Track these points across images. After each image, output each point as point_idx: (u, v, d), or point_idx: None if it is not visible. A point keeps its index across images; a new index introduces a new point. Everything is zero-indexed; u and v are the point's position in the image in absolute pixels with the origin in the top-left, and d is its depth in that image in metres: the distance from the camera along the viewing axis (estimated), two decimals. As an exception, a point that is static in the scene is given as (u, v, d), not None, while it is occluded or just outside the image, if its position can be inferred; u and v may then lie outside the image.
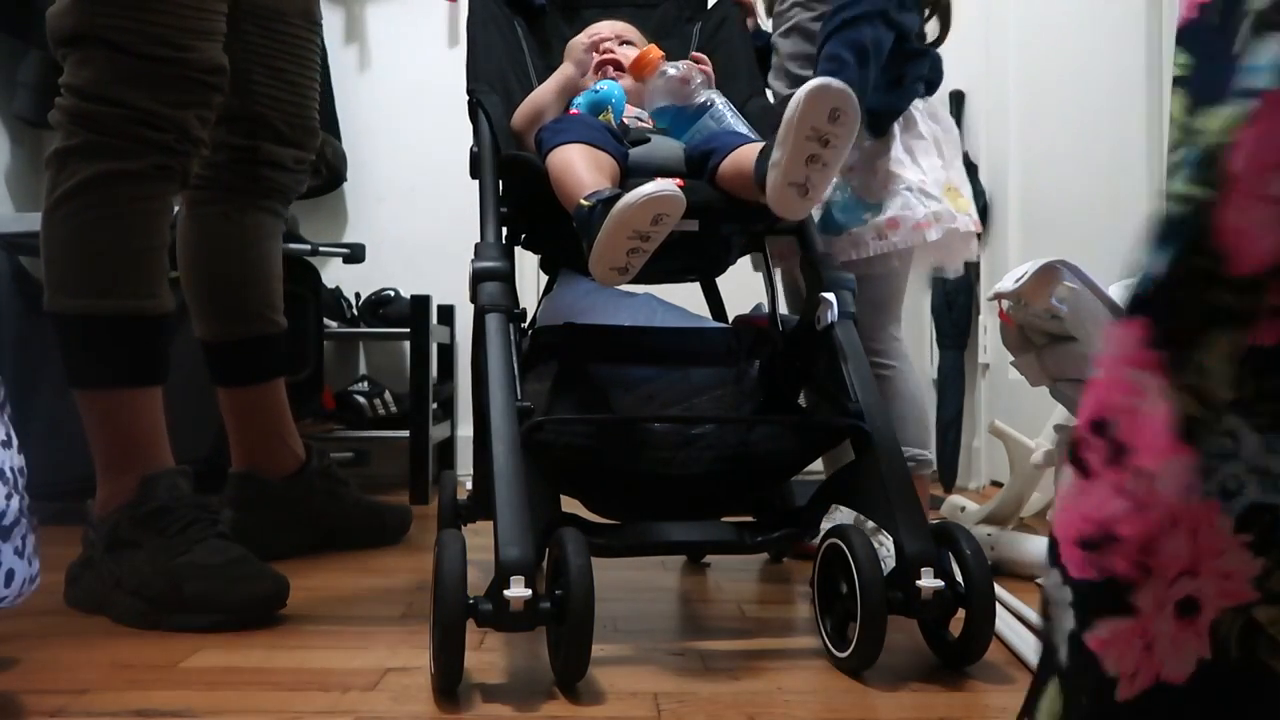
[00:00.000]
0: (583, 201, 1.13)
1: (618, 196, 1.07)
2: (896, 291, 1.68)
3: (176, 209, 1.56)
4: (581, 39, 1.47)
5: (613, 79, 1.40)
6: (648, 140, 1.34)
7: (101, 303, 1.32)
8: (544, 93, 1.40)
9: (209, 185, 1.62)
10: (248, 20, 1.56)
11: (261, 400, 1.69)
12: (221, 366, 1.69)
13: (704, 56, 1.48)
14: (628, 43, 1.48)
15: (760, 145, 1.18)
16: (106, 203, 1.31)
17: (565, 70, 1.41)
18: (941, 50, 1.69)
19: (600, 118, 1.32)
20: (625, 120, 1.36)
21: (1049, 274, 1.01)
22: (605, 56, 1.44)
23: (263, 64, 1.60)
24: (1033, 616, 1.24)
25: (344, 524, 1.75)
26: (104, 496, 1.34)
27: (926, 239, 1.55)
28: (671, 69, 1.35)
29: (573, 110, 1.37)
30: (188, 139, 1.35)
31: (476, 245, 1.24)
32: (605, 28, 1.51)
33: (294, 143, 1.68)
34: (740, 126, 1.34)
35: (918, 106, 1.63)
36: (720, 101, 1.35)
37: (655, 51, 1.39)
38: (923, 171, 1.59)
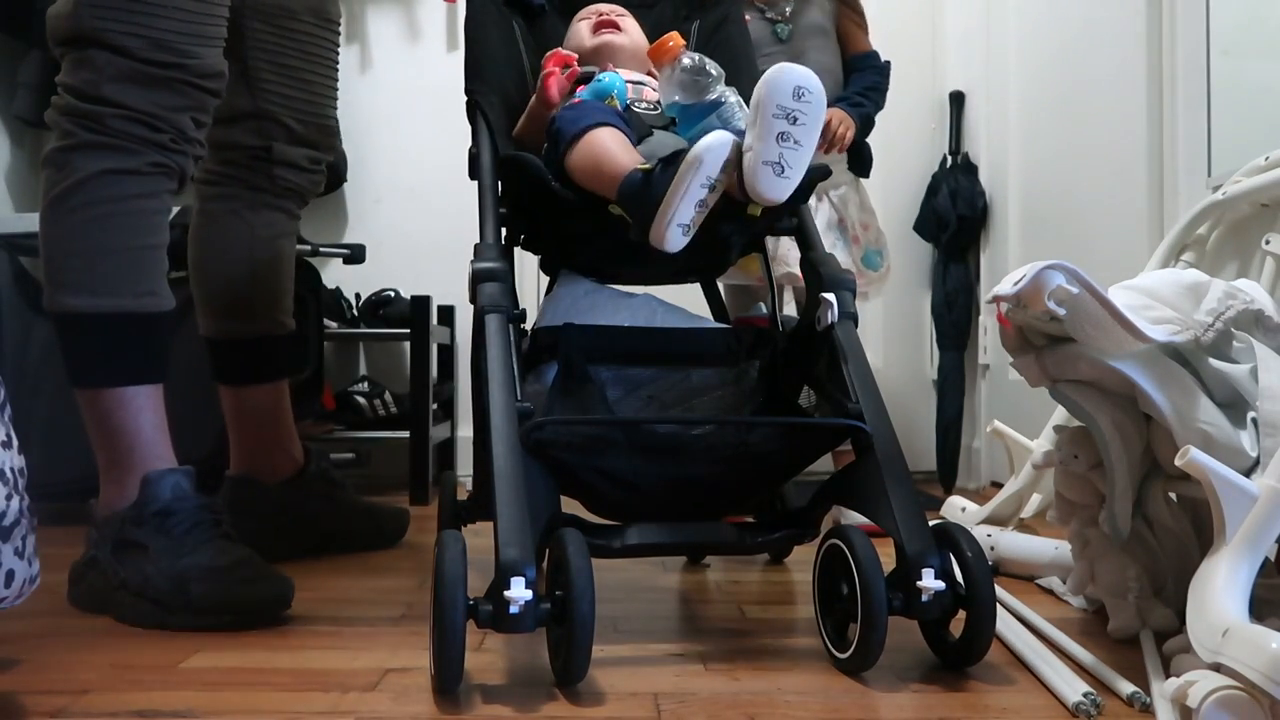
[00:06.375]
0: (640, 167, 1.16)
1: (685, 152, 1.11)
2: None
3: (177, 209, 1.56)
4: (583, 26, 1.52)
5: (611, 70, 1.40)
6: (650, 134, 1.34)
7: (100, 301, 1.31)
8: (542, 103, 1.40)
9: (222, 183, 1.62)
10: (254, 18, 1.56)
11: (262, 401, 1.68)
12: (224, 364, 1.68)
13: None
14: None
15: None
16: (105, 201, 1.31)
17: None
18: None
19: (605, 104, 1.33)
20: (632, 106, 1.36)
21: (1048, 277, 1.01)
22: (603, 19, 1.49)
23: (271, 61, 1.60)
24: (1033, 617, 1.24)
25: (341, 527, 1.74)
26: (107, 497, 1.34)
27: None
28: (689, 59, 1.35)
29: (576, 99, 1.36)
30: (184, 139, 1.35)
31: (476, 246, 1.24)
32: (604, 5, 1.56)
33: (307, 141, 1.67)
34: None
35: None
36: (733, 100, 1.35)
37: (677, 39, 1.38)
38: None
